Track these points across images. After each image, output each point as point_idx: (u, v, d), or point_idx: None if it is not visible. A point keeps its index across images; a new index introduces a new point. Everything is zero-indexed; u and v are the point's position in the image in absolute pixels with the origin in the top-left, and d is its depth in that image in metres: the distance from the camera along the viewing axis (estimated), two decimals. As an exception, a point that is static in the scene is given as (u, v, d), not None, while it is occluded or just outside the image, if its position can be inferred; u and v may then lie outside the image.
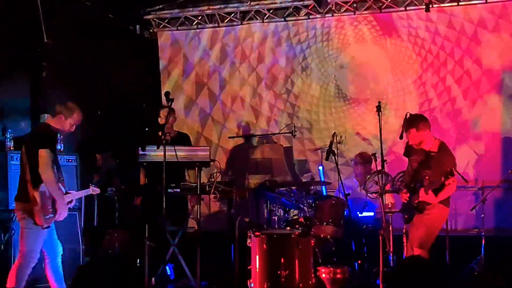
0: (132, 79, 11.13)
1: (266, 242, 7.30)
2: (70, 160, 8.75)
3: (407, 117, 7.71)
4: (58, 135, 7.44)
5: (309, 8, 10.89)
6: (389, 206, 8.33)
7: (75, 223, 8.65)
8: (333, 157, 8.54)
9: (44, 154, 6.88)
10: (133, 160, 8.60)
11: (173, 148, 7.78)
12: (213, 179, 8.47)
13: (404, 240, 7.73)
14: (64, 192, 7.18)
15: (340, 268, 7.79)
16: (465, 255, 8.71)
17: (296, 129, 10.06)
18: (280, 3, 10.91)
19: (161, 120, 8.82)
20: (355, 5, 10.68)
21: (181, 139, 9.00)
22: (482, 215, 8.90)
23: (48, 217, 6.93)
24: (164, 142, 7.54)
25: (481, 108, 10.14)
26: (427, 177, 7.40)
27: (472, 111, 10.19)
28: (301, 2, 10.71)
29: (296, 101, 11.13)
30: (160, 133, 8.29)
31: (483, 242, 8.72)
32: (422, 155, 7.70)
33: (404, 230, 7.81)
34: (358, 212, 8.93)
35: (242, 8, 11.19)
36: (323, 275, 7.65)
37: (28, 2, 8.97)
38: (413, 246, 7.55)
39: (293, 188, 9.32)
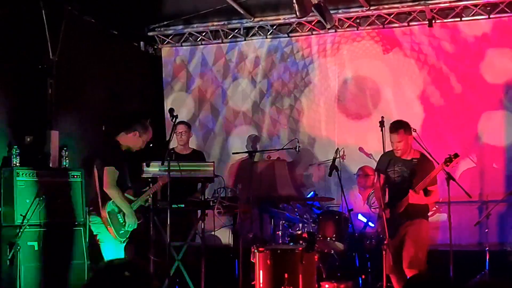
0: (136, 95, 11.19)
1: (270, 258, 7.35)
2: (75, 176, 8.77)
3: (396, 121, 8.02)
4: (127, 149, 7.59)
5: (312, 24, 10.95)
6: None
7: (80, 238, 8.68)
8: (336, 172, 8.58)
9: (107, 172, 7.08)
10: (137, 175, 8.63)
11: (177, 163, 7.85)
12: (217, 195, 8.52)
13: (384, 255, 7.63)
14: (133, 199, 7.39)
15: (344, 283, 7.86)
16: (469, 270, 8.71)
17: (299, 145, 10.08)
18: (284, 19, 10.96)
19: (179, 136, 8.94)
20: (358, 20, 10.74)
21: (196, 156, 9.10)
22: (486, 230, 8.93)
23: (122, 231, 7.11)
24: (168, 158, 7.59)
25: (485, 123, 10.15)
26: (415, 180, 7.53)
27: (476, 125, 10.20)
28: (304, 18, 10.72)
29: (299, 116, 11.16)
30: (170, 149, 8.36)
31: (487, 257, 8.73)
32: (403, 165, 7.77)
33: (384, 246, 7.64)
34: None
35: (245, 24, 11.24)
36: (327, 291, 7.69)
37: (34, 19, 9.03)
38: (404, 268, 7.51)
39: (297, 203, 9.36)
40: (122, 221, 7.33)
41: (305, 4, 8.42)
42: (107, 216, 7.27)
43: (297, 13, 8.57)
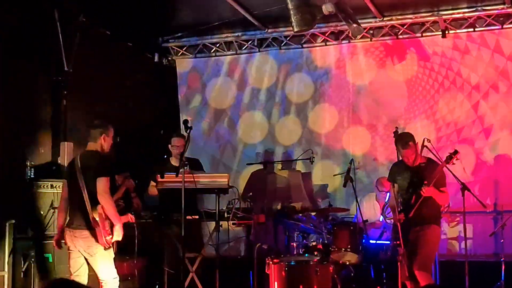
0: (151, 107, 11.21)
1: (285, 269, 7.31)
2: (89, 187, 8.79)
3: (402, 134, 7.99)
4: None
5: (326, 35, 10.96)
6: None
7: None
8: (350, 183, 8.55)
9: (103, 182, 6.98)
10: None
11: (191, 175, 7.82)
12: (232, 206, 8.50)
13: (399, 266, 7.64)
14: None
15: (359, 294, 7.79)
16: (485, 280, 8.65)
17: (314, 155, 10.05)
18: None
19: (175, 149, 8.81)
20: (371, 31, 10.74)
21: (192, 165, 9.01)
22: (502, 240, 8.86)
23: (108, 238, 7.01)
24: (183, 170, 7.56)
25: (499, 133, 10.10)
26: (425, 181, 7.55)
27: (490, 135, 10.16)
28: (318, 29, 10.76)
29: (314, 127, 11.15)
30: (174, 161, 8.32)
31: (503, 267, 8.67)
32: (411, 171, 7.79)
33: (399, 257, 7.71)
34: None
35: (259, 36, 11.27)
36: (342, 302, 7.65)
37: (49, 31, 9.08)
38: (414, 269, 7.53)
39: (312, 214, 9.33)
40: (108, 228, 7.12)
41: (306, 17, 8.17)
42: (97, 218, 7.07)
43: (294, 27, 8.30)
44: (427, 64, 10.57)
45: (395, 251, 7.99)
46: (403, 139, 7.81)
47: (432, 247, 7.78)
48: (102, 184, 6.98)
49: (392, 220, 8.75)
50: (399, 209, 7.72)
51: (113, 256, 7.14)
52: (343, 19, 8.67)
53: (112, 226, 7.04)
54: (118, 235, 7.06)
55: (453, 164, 7.64)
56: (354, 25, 8.72)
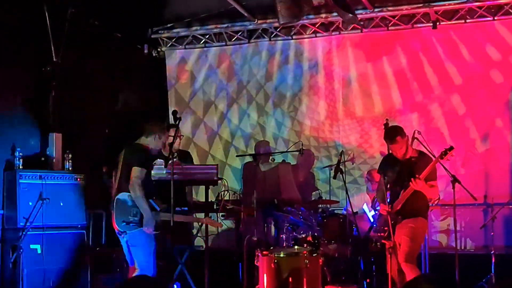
0: (140, 98, 11.15)
1: (274, 261, 7.27)
2: (78, 179, 8.78)
3: (390, 129, 7.90)
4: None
5: (316, 26, 10.92)
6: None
7: (83, 241, 8.68)
8: (340, 175, 8.52)
9: (135, 172, 7.01)
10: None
11: (180, 167, 7.78)
12: (221, 198, 8.46)
13: (388, 256, 7.59)
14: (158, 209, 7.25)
15: (348, 286, 7.77)
16: (475, 273, 8.65)
17: (303, 147, 10.01)
18: (287, 21, 10.90)
19: (170, 140, 8.73)
20: (362, 23, 10.69)
21: (183, 157, 8.96)
22: (492, 233, 8.85)
23: (124, 223, 6.96)
24: (172, 161, 7.50)
25: (490, 125, 10.11)
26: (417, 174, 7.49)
27: (481, 128, 10.16)
28: (308, 21, 10.73)
29: (304, 119, 11.12)
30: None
31: (493, 260, 8.66)
32: (402, 165, 7.73)
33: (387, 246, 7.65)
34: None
35: (249, 27, 11.22)
36: (332, 294, 7.63)
37: (38, 22, 9.02)
38: (400, 262, 7.51)
39: (301, 206, 9.30)
40: (130, 217, 7.07)
41: (293, 9, 8.06)
42: (114, 202, 7.07)
43: (280, 19, 8.19)
44: (418, 56, 10.54)
45: (383, 242, 7.95)
46: (390, 135, 7.75)
47: (419, 240, 7.77)
48: (133, 173, 7.07)
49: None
50: (387, 200, 7.68)
51: (153, 247, 7.13)
52: (336, 9, 8.60)
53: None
54: (147, 225, 7.03)
55: (448, 160, 7.58)
56: (350, 15, 8.64)
